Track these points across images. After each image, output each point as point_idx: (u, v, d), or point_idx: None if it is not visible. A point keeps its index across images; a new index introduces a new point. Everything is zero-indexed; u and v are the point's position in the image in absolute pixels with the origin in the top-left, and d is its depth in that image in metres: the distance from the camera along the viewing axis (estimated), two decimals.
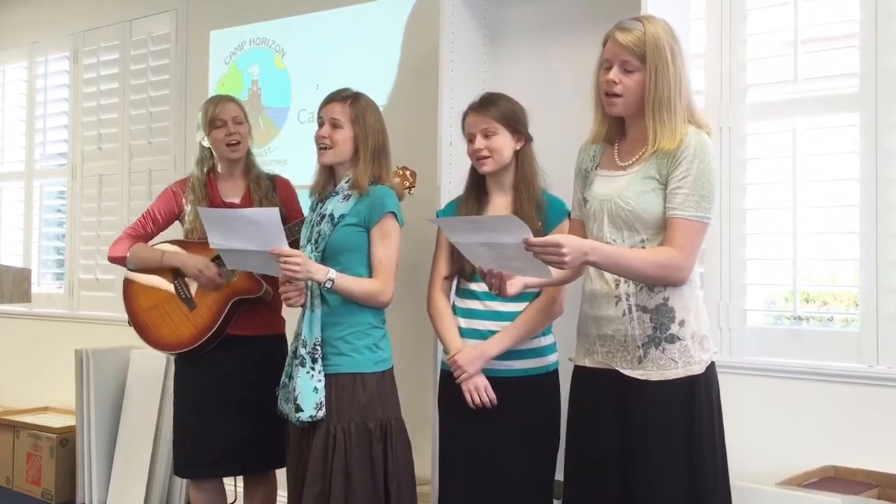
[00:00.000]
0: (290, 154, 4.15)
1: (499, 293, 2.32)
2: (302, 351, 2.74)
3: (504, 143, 2.75)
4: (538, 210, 2.74)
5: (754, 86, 2.99)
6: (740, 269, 2.97)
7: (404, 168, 3.14)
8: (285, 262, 2.63)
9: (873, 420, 2.69)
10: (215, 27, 4.58)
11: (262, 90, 4.35)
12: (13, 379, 5.47)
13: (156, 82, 4.87)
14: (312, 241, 2.81)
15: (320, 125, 2.85)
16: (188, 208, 3.22)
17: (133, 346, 4.56)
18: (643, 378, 2.22)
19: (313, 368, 2.72)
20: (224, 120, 3.20)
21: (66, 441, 4.60)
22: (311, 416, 2.70)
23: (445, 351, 2.80)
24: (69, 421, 4.70)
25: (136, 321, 3.24)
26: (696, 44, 3.04)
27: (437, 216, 2.87)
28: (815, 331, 2.91)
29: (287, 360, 2.86)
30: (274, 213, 2.64)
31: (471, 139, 2.77)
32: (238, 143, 3.22)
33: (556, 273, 2.34)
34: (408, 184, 3.13)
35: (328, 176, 2.89)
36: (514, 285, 2.33)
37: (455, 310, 2.83)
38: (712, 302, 2.98)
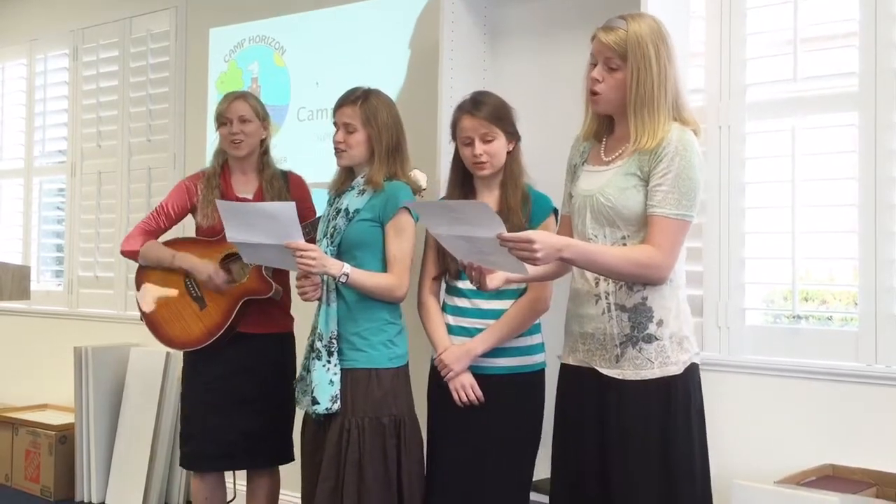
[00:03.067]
0: (289, 152, 4.15)
1: (479, 287, 2.32)
2: (318, 344, 2.79)
3: (501, 147, 2.77)
4: (524, 205, 2.75)
5: (753, 84, 2.99)
6: (739, 267, 2.97)
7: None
8: (301, 257, 2.65)
9: (872, 419, 2.69)
10: (215, 25, 4.58)
11: (262, 88, 4.34)
12: (12, 376, 5.47)
13: (155, 80, 4.87)
14: (328, 235, 2.84)
15: (336, 129, 2.88)
16: (201, 199, 3.25)
17: (132, 344, 4.57)
18: (620, 377, 2.22)
19: (329, 362, 2.76)
20: (229, 118, 3.23)
21: (64, 438, 4.60)
22: (326, 409, 2.74)
23: (433, 349, 2.82)
24: (68, 418, 4.70)
25: (147, 318, 3.28)
26: (696, 42, 3.04)
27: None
28: (813, 330, 2.91)
29: (304, 353, 2.89)
30: (291, 206, 2.66)
31: (468, 143, 2.77)
32: (241, 141, 3.23)
33: (538, 269, 2.34)
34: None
35: (347, 172, 2.93)
36: (494, 279, 2.33)
37: (445, 307, 2.86)
38: (711, 301, 2.98)
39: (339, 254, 2.81)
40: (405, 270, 2.79)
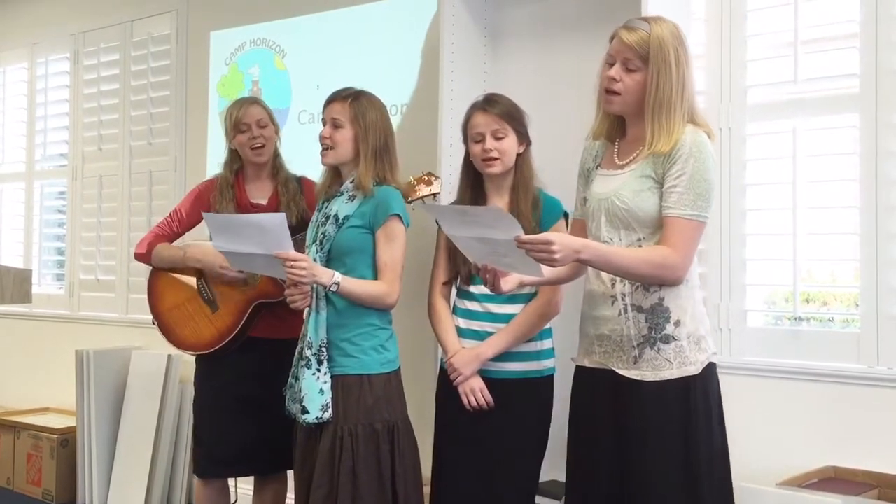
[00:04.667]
0: (291, 155, 4.11)
1: (493, 289, 2.31)
2: (308, 353, 2.75)
3: (512, 146, 2.76)
4: (534, 210, 2.75)
5: (754, 86, 2.99)
6: (740, 269, 2.97)
7: (430, 174, 3.12)
8: (291, 267, 2.62)
9: (873, 420, 2.69)
10: (215, 28, 4.59)
11: (263, 91, 4.35)
12: (14, 379, 5.47)
13: (156, 83, 4.87)
14: (317, 241, 2.81)
15: (323, 125, 2.86)
16: (216, 209, 3.23)
17: (134, 347, 4.58)
18: (638, 378, 2.22)
19: (319, 370, 2.73)
20: (248, 124, 3.21)
21: (66, 441, 4.61)
22: (317, 418, 2.71)
23: (444, 353, 2.81)
24: (70, 421, 4.70)
25: (159, 321, 3.27)
26: (696, 44, 3.03)
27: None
28: (815, 331, 2.91)
29: (293, 360, 2.86)
30: (280, 218, 2.63)
31: (479, 140, 2.77)
32: (262, 146, 3.23)
33: (553, 272, 2.34)
34: (430, 190, 3.11)
35: (334, 176, 2.90)
36: (508, 282, 2.32)
37: (455, 310, 2.85)
38: (712, 302, 2.98)
39: (329, 260, 2.78)
40: (396, 278, 2.77)
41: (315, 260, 2.75)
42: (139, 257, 3.29)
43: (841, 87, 2.85)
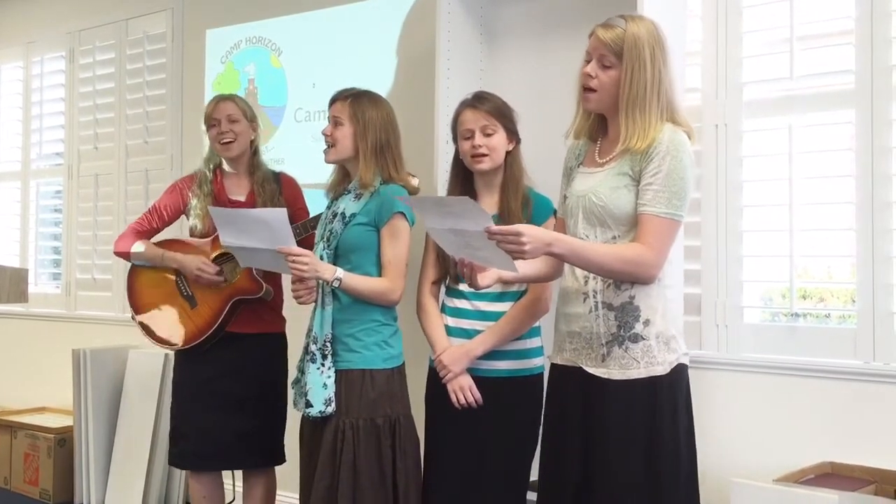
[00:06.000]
0: (287, 153, 4.15)
1: (471, 285, 2.31)
2: (313, 347, 2.79)
3: (501, 143, 2.77)
4: (525, 208, 2.76)
5: (750, 83, 2.99)
6: (737, 265, 2.97)
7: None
8: (293, 262, 2.67)
9: (870, 416, 2.70)
10: (211, 26, 4.58)
11: (259, 89, 4.34)
12: (10, 379, 5.46)
13: (152, 81, 4.86)
14: (325, 239, 2.85)
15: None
16: (193, 202, 3.26)
17: (131, 346, 4.57)
18: (605, 377, 2.22)
19: (323, 365, 2.77)
20: (218, 119, 3.24)
21: (63, 441, 4.60)
22: (320, 412, 2.74)
23: (433, 351, 2.82)
24: (67, 421, 4.69)
25: (138, 317, 3.29)
26: (692, 41, 3.05)
27: None
28: (811, 327, 2.91)
29: (300, 356, 2.90)
30: (282, 213, 2.67)
31: (468, 136, 2.77)
32: (231, 141, 3.24)
33: (532, 269, 2.34)
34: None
35: (343, 174, 2.94)
36: (486, 277, 2.31)
37: (444, 308, 2.86)
38: (709, 299, 2.98)
39: (336, 257, 2.82)
40: (400, 274, 2.80)
41: (322, 257, 2.80)
42: (121, 255, 3.31)
43: (837, 84, 2.85)
